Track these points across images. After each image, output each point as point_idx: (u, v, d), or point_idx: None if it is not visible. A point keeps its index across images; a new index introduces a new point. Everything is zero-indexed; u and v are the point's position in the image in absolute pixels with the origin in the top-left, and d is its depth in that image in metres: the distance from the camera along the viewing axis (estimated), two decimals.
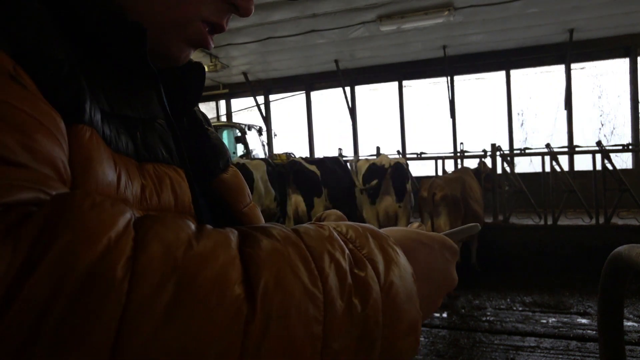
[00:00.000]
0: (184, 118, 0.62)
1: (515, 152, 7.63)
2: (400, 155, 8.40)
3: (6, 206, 0.28)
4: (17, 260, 0.25)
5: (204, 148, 0.63)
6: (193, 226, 0.31)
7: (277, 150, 10.55)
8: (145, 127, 0.51)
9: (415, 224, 0.53)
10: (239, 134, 9.50)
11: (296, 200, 5.64)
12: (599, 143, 6.16)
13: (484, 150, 6.85)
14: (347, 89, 9.78)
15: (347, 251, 0.36)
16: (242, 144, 9.50)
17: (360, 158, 6.66)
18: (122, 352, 0.25)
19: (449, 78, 8.97)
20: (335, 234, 0.37)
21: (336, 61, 9.07)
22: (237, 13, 0.55)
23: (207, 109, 11.43)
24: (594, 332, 3.90)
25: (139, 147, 0.48)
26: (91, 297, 0.25)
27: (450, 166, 7.56)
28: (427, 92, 9.71)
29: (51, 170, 0.33)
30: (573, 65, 8.39)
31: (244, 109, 11.10)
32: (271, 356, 0.28)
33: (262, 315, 0.28)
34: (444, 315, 4.59)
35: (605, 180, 6.04)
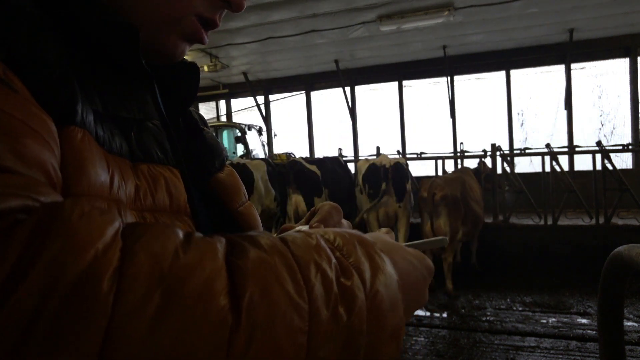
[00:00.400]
0: (179, 118, 0.63)
1: (515, 152, 7.63)
2: (400, 155, 8.41)
3: None
4: (5, 269, 0.25)
5: (200, 147, 0.63)
6: (181, 235, 0.31)
7: (277, 150, 10.56)
8: (140, 127, 0.51)
9: (384, 230, 0.52)
10: (239, 134, 9.50)
11: (296, 200, 5.64)
12: (599, 143, 6.17)
13: (484, 150, 6.85)
14: (347, 89, 9.78)
15: (333, 260, 0.36)
16: (242, 144, 9.50)
17: (360, 158, 6.66)
18: None
19: (449, 78, 8.97)
20: (323, 242, 0.37)
21: (336, 61, 9.07)
22: (229, 9, 0.55)
23: (207, 109, 11.43)
24: (594, 332, 3.90)
25: (134, 147, 0.49)
26: (78, 309, 0.25)
27: (450, 166, 7.57)
28: (427, 92, 9.72)
29: (41, 174, 0.33)
30: (573, 65, 8.39)
31: (244, 109, 11.11)
32: None
33: (246, 326, 0.29)
34: (444, 315, 4.59)
35: (605, 180, 6.05)
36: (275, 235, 0.37)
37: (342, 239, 0.39)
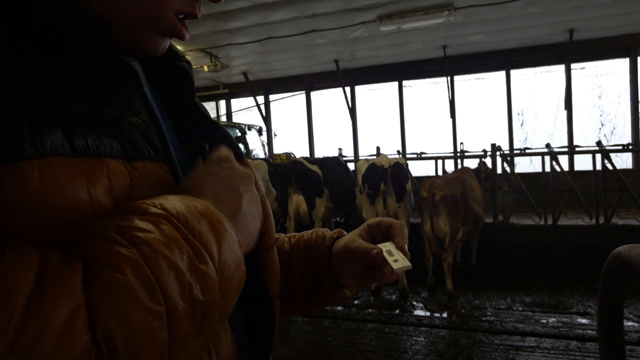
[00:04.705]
0: (185, 113, 0.63)
1: (515, 152, 7.63)
2: (400, 155, 8.40)
3: None
4: None
5: (218, 139, 0.64)
6: (37, 269, 0.31)
7: (277, 150, 10.56)
8: (129, 124, 0.50)
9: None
10: (239, 134, 9.50)
11: (297, 200, 5.64)
12: (599, 143, 6.17)
13: (484, 150, 6.85)
14: (347, 89, 9.77)
15: (185, 246, 0.38)
16: (242, 144, 9.50)
17: (360, 158, 6.66)
18: None
19: (449, 78, 8.97)
20: (174, 229, 0.38)
21: (336, 61, 9.07)
22: None
23: (207, 109, 11.45)
24: (594, 332, 3.90)
25: (126, 145, 0.47)
26: None
27: (450, 166, 7.57)
28: (427, 92, 9.72)
29: None
30: (573, 65, 8.39)
31: (244, 109, 11.11)
32: None
33: (109, 353, 0.31)
34: (444, 315, 4.59)
35: (605, 180, 6.04)
36: (129, 230, 0.37)
37: (187, 212, 0.41)
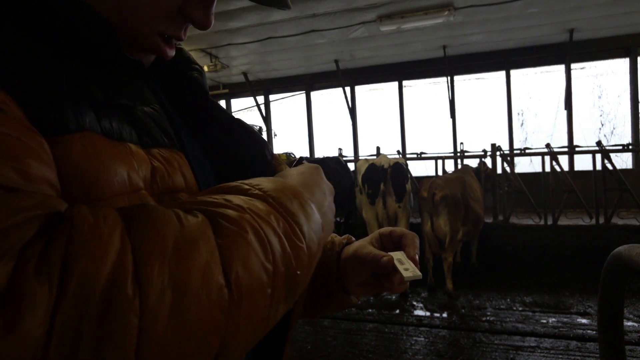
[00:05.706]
0: (199, 110, 0.65)
1: (515, 152, 7.63)
2: (400, 155, 8.40)
3: (5, 231, 0.29)
4: (53, 291, 0.28)
5: (251, 137, 0.66)
6: (177, 221, 0.35)
7: (277, 150, 10.56)
8: (143, 113, 0.52)
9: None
10: None
11: None
12: (599, 143, 6.17)
13: (484, 150, 6.85)
14: (347, 89, 9.77)
15: (282, 221, 0.42)
16: None
17: (360, 158, 6.65)
18: (142, 356, 0.30)
19: (449, 78, 8.97)
20: (270, 206, 0.42)
21: (336, 61, 9.07)
22: (194, 26, 0.55)
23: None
24: (594, 332, 3.90)
25: (141, 133, 0.50)
26: (113, 319, 0.29)
27: (450, 166, 7.57)
28: (427, 92, 9.72)
29: (49, 189, 0.36)
30: (573, 65, 8.38)
31: (244, 109, 11.11)
32: (244, 322, 0.36)
33: (237, 296, 0.35)
34: (444, 315, 4.59)
35: (605, 180, 6.04)
36: (230, 199, 0.41)
37: (280, 193, 0.44)
